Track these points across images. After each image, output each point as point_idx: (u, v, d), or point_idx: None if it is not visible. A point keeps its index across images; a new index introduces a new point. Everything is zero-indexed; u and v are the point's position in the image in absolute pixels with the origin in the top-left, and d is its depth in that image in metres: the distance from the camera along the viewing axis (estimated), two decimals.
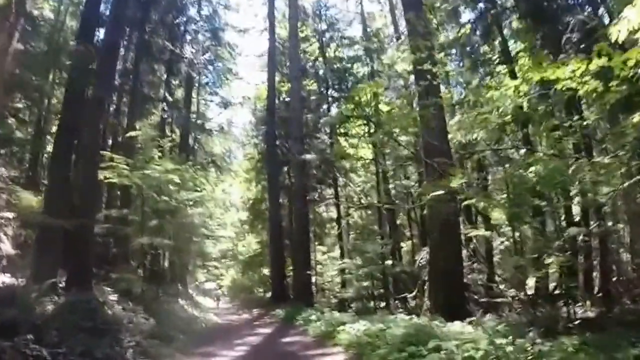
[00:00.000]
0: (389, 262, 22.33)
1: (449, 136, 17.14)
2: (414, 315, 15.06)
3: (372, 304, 22.09)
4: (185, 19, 31.50)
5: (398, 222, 29.39)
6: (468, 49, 20.65)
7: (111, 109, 24.61)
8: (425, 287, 16.90)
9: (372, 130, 26.74)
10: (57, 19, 24.29)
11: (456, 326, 12.21)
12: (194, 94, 35.20)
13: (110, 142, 24.63)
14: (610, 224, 16.99)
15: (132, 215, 19.20)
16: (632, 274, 17.30)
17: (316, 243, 33.28)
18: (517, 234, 15.33)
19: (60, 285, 13.27)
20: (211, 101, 38.72)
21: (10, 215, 16.39)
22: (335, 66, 32.55)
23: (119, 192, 23.14)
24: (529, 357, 8.13)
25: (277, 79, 33.85)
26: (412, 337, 10.63)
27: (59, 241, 13.46)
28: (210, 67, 35.75)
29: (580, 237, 14.05)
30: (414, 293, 19.62)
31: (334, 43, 34.11)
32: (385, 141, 26.47)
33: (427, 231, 17.00)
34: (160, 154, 19.76)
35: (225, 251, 37.58)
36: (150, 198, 18.53)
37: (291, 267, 30.56)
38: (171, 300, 20.60)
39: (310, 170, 30.56)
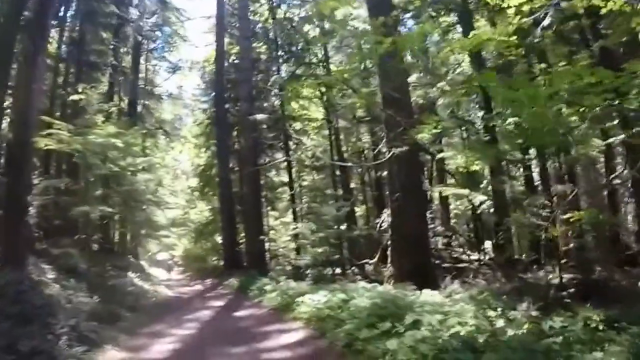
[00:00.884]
0: (344, 226, 21.04)
1: None
2: (376, 284, 13.84)
3: (328, 271, 20.73)
4: None
5: (352, 185, 28.07)
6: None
7: (59, 80, 23.17)
8: (388, 252, 15.43)
9: (323, 90, 25.15)
10: None
11: (428, 295, 10.96)
12: (142, 60, 33.43)
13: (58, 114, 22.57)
14: None
15: (76, 185, 17.52)
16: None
17: (268, 208, 32.06)
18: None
19: None
20: (160, 67, 37.33)
21: None
22: (286, 29, 30.64)
23: (63, 164, 21.51)
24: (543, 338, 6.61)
25: (226, 41, 32.13)
26: (382, 309, 9.34)
27: None
28: (159, 33, 34.29)
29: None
30: (375, 259, 18.24)
31: (284, 4, 32.54)
32: (339, 99, 25.30)
33: (389, 192, 15.48)
34: (104, 119, 17.89)
35: (177, 219, 35.54)
36: (93, 165, 16.80)
37: (243, 235, 29.21)
38: (120, 274, 18.89)
39: (261, 132, 29.10)
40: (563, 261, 13.84)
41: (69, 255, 15.05)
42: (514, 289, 11.84)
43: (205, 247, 38.03)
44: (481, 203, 14.45)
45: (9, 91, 13.78)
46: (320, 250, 20.54)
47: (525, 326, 7.30)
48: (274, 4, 31.71)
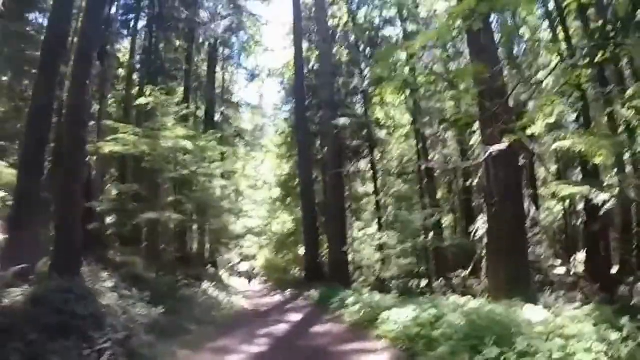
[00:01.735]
0: (431, 236, 19.40)
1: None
2: (470, 297, 12.16)
3: (414, 283, 19.12)
4: None
5: (438, 196, 26.28)
6: None
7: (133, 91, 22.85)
8: (482, 263, 13.65)
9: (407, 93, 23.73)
10: None
11: (534, 313, 9.18)
12: (218, 69, 33.22)
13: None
14: None
15: (146, 191, 16.61)
16: None
17: (353, 219, 30.72)
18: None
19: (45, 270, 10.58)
20: (237, 74, 36.92)
21: None
22: (366, 33, 29.37)
23: (129, 169, 20.72)
24: None
25: (305, 46, 31.18)
26: (483, 329, 7.66)
27: (38, 217, 10.78)
28: (234, 39, 33.54)
29: None
30: (466, 271, 16.45)
31: (364, 6, 30.96)
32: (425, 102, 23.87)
33: (485, 196, 13.73)
34: (175, 122, 16.85)
35: (256, 230, 34.61)
36: (161, 169, 15.95)
37: (326, 245, 27.76)
38: (193, 284, 17.84)
39: (344, 140, 27.95)
40: None
41: (133, 263, 13.99)
42: (623, 307, 10.03)
43: (287, 259, 37.01)
44: (604, 203, 12.42)
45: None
46: (405, 261, 18.98)
47: None
48: (354, 8, 30.65)
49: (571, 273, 16.74)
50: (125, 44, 26.20)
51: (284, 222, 38.07)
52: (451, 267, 20.14)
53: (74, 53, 12.76)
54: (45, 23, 16.23)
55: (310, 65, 32.34)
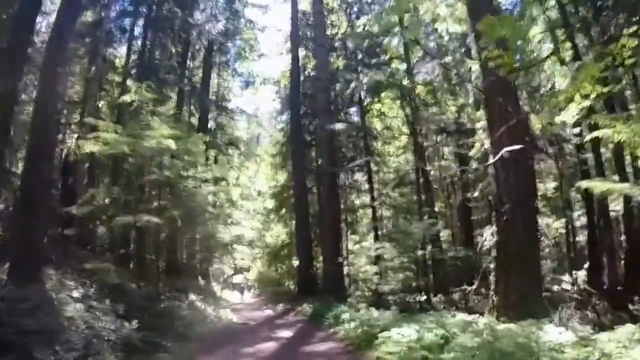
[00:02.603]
0: (429, 248, 18.02)
1: None
2: (477, 315, 10.78)
3: (411, 298, 17.69)
4: None
5: (436, 209, 24.86)
6: None
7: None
8: (491, 277, 12.12)
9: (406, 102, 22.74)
10: None
11: (556, 334, 7.76)
12: (213, 75, 31.78)
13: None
14: None
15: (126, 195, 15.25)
16: None
17: (348, 232, 28.90)
18: None
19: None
20: (233, 81, 35.44)
21: None
22: (365, 42, 28.04)
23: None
24: None
25: (301, 54, 30.10)
26: (506, 355, 6.27)
27: None
28: (230, 44, 32.00)
29: None
30: (473, 286, 14.91)
31: (364, 15, 29.51)
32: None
33: (495, 203, 12.22)
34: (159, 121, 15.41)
35: (246, 239, 33.01)
36: (144, 172, 14.72)
37: (321, 258, 26.30)
38: (178, 296, 16.42)
39: (340, 148, 26.71)
40: None
41: (109, 271, 12.46)
42: None
43: (280, 271, 36.37)
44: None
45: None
46: (402, 275, 17.58)
47: None
48: (353, 17, 29.72)
49: (579, 288, 15.35)
50: (122, 50, 25.23)
51: (278, 234, 37.11)
52: (450, 282, 18.79)
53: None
54: None
55: (307, 72, 31.19)
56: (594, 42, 14.78)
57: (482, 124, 18.27)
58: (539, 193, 20.52)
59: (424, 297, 17.57)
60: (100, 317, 9.58)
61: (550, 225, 19.86)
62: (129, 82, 20.40)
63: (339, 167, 26.22)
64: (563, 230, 20.09)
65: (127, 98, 16.36)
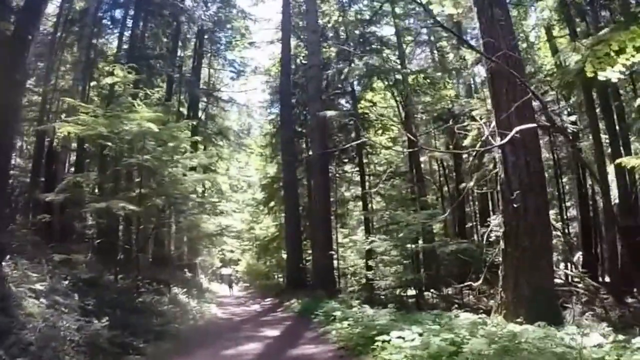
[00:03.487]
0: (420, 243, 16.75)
1: None
2: (484, 315, 9.62)
3: (406, 293, 16.36)
4: None
5: (428, 201, 23.58)
6: None
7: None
8: (500, 271, 10.64)
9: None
10: None
11: (595, 339, 6.47)
12: (204, 64, 30.92)
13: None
14: None
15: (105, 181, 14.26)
16: None
17: (338, 225, 28.36)
18: None
19: None
20: (224, 71, 34.23)
21: None
22: (356, 31, 27.30)
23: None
24: None
25: (293, 43, 28.91)
26: None
27: None
28: (221, 33, 31.08)
29: None
30: (479, 281, 13.38)
31: (356, 5, 29.08)
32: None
33: (502, 190, 10.74)
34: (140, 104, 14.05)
35: (232, 229, 31.42)
36: (123, 156, 13.77)
37: (310, 251, 25.38)
38: (158, 289, 15.08)
39: (332, 136, 25.63)
40: None
41: (82, 263, 11.09)
42: None
43: (270, 264, 35.32)
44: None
45: None
46: (395, 269, 16.24)
47: None
48: (345, 5, 28.67)
49: (585, 282, 14.07)
50: (113, 38, 25.10)
51: (268, 226, 35.92)
52: (443, 277, 17.41)
53: None
54: None
55: (298, 61, 30.07)
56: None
57: (479, 111, 17.14)
58: None
59: (417, 293, 16.19)
60: (64, 313, 8.21)
61: None
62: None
63: (331, 159, 24.97)
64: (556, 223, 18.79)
65: (109, 80, 15.80)
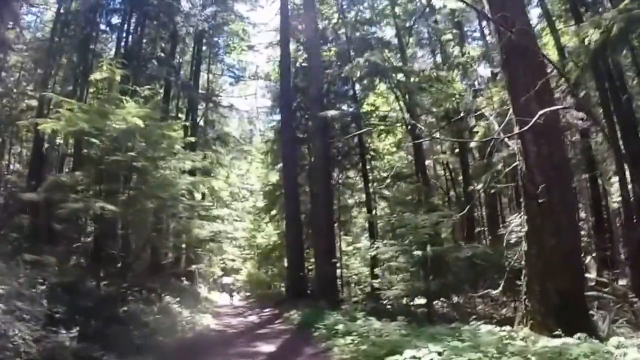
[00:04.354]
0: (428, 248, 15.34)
1: None
2: (507, 327, 8.12)
3: (413, 302, 14.98)
4: None
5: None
6: None
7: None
8: (523, 278, 9.20)
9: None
10: None
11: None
12: (203, 71, 29.94)
13: None
14: None
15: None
16: None
17: (341, 232, 27.11)
18: None
19: None
20: (222, 75, 33.89)
21: None
22: (357, 33, 26.46)
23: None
24: None
25: (292, 47, 27.87)
26: None
27: None
28: (219, 37, 30.42)
29: None
30: (499, 289, 11.86)
31: (355, 6, 28.16)
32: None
33: (524, 184, 9.29)
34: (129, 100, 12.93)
35: (229, 235, 30.09)
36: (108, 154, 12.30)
37: (312, 260, 24.04)
38: (147, 298, 14.17)
39: (333, 139, 23.99)
40: None
41: (58, 265, 9.92)
42: None
43: (271, 273, 34.48)
44: None
45: None
46: (402, 277, 14.88)
47: None
48: (344, 6, 27.78)
49: (613, 287, 12.74)
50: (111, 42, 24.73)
51: (269, 234, 34.88)
52: (452, 285, 15.97)
53: None
54: None
55: (298, 65, 28.88)
56: None
57: (486, 110, 16.07)
58: None
59: (426, 302, 14.73)
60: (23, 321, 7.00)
61: None
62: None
63: (333, 164, 23.94)
64: None
65: (97, 76, 15.21)
